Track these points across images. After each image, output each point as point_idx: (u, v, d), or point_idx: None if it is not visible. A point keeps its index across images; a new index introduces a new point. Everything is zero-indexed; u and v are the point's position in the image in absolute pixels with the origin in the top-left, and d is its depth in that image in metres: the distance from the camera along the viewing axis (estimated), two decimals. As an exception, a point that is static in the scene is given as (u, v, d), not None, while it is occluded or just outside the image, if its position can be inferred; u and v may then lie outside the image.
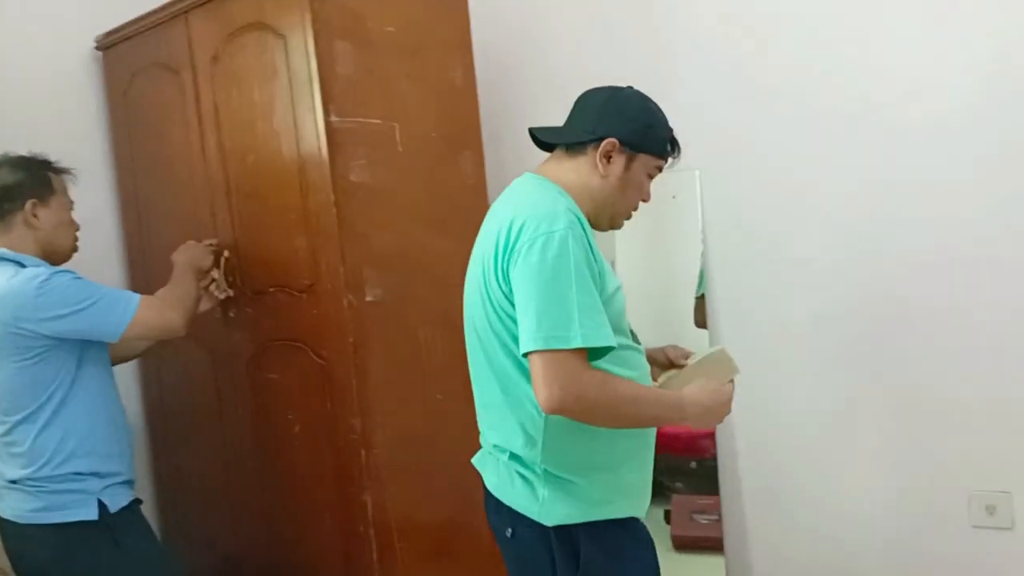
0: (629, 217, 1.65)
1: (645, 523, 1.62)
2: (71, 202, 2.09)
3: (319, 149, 2.10)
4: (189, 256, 2.22)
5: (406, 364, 2.21)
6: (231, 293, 2.33)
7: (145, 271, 2.66)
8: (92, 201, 2.56)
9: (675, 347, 1.75)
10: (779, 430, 2.13)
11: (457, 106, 2.37)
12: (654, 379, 1.67)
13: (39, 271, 1.91)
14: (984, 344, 2.06)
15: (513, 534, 1.58)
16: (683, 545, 2.41)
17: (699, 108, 2.32)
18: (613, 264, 2.44)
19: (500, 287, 1.49)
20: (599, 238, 1.57)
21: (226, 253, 2.32)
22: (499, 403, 1.56)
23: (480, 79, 2.44)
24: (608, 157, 1.56)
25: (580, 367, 1.39)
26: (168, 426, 2.73)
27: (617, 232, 1.70)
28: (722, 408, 1.55)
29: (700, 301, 2.42)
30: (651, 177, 1.62)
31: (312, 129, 2.11)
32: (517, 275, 1.43)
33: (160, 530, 2.69)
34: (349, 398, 2.12)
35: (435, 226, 2.27)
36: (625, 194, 1.59)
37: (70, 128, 2.66)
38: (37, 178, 2.01)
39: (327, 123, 2.09)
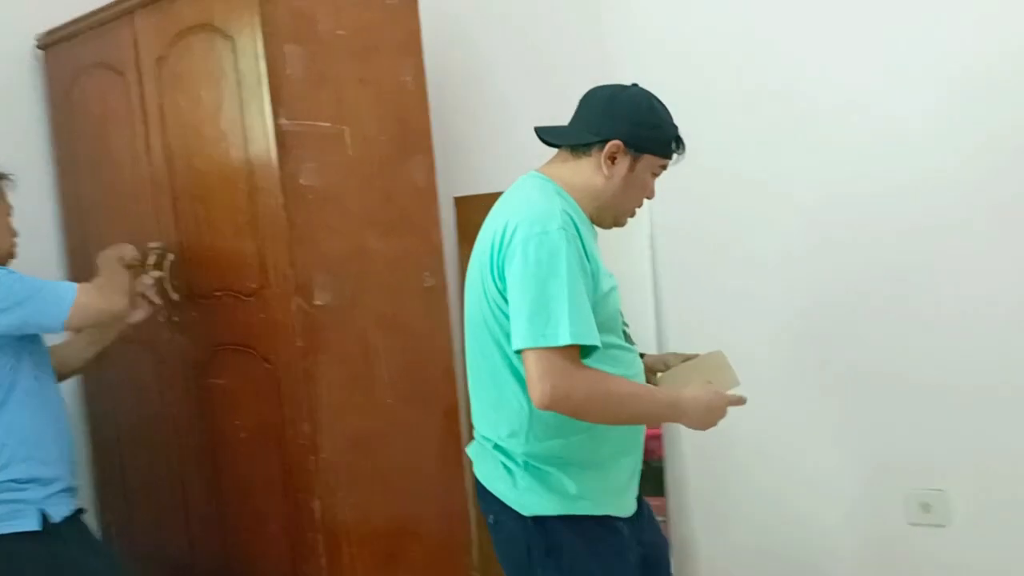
0: (633, 215, 1.67)
1: (624, 524, 1.63)
2: (10, 207, 2.03)
3: (268, 152, 2.08)
4: (108, 251, 2.15)
5: (356, 369, 2.20)
6: (176, 297, 2.29)
7: (88, 278, 2.59)
8: (32, 206, 2.48)
9: (675, 354, 1.79)
10: (724, 433, 2.15)
11: (408, 110, 2.37)
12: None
13: (-27, 271, 1.87)
14: (921, 348, 2.13)
15: (495, 521, 1.61)
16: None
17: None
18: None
19: (495, 284, 1.51)
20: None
21: (171, 256, 2.29)
22: (488, 395, 1.60)
23: (431, 83, 2.45)
24: (613, 159, 1.57)
25: (572, 365, 1.42)
26: (111, 433, 2.67)
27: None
28: (720, 411, 1.56)
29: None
30: (655, 175, 1.64)
31: (261, 131, 2.09)
32: (511, 274, 1.46)
33: (102, 540, 2.63)
34: (298, 403, 2.11)
35: (386, 230, 2.27)
36: (629, 194, 1.61)
37: (9, 130, 2.59)
38: None
39: (276, 126, 2.07)
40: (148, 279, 2.18)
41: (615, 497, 1.61)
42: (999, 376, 2.06)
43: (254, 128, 2.11)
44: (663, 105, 1.62)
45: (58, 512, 1.92)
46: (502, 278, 1.49)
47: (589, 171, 1.58)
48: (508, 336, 1.48)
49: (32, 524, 1.87)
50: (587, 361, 1.48)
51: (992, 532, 2.09)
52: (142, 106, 2.35)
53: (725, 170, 2.30)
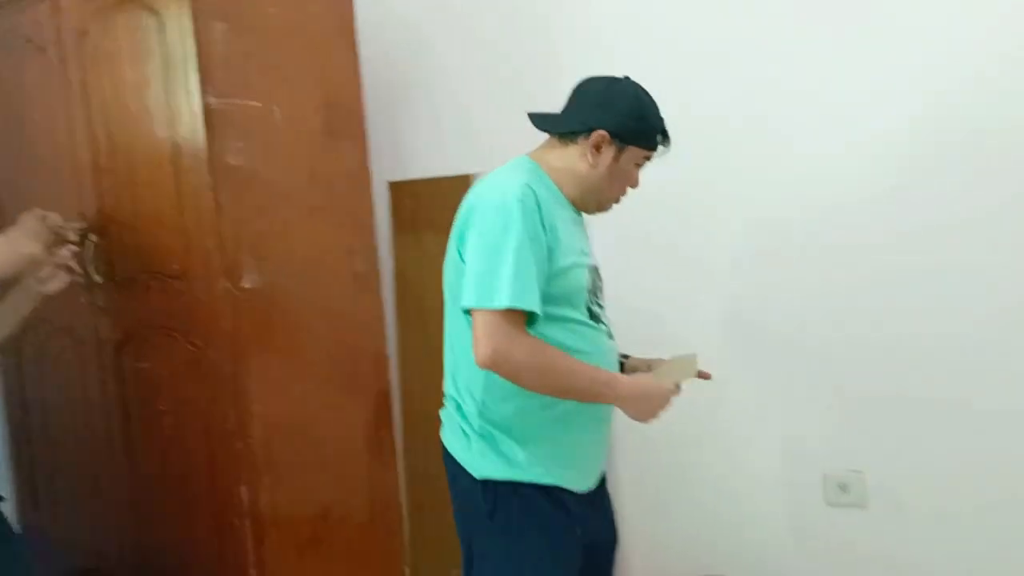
0: (618, 201, 1.72)
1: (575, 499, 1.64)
2: None
3: (195, 131, 2.04)
4: (32, 211, 2.04)
5: (284, 353, 2.17)
6: (98, 279, 2.23)
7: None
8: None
9: (661, 360, 1.81)
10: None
11: (340, 92, 2.34)
12: None
13: None
14: (838, 337, 2.20)
15: (453, 481, 1.66)
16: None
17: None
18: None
19: (459, 252, 1.57)
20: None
21: (93, 237, 2.23)
22: (454, 358, 1.66)
23: (365, 64, 2.43)
24: (598, 148, 1.61)
25: (515, 330, 1.47)
26: (30, 418, 2.60)
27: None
28: (657, 400, 1.58)
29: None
30: (639, 166, 1.68)
31: (187, 110, 2.05)
32: (468, 239, 1.53)
33: (21, 529, 2.56)
34: (224, 388, 2.08)
35: (315, 212, 2.25)
36: (612, 182, 1.66)
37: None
38: None
39: (204, 104, 2.03)
40: (67, 252, 2.12)
41: (566, 469, 1.63)
42: (914, 362, 2.13)
43: (180, 106, 2.06)
44: (651, 98, 1.66)
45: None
46: (464, 245, 1.56)
47: (575, 158, 1.63)
48: None
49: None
50: (544, 330, 1.53)
51: (907, 512, 2.17)
52: (64, 82, 2.28)
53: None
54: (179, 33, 2.02)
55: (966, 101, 2.04)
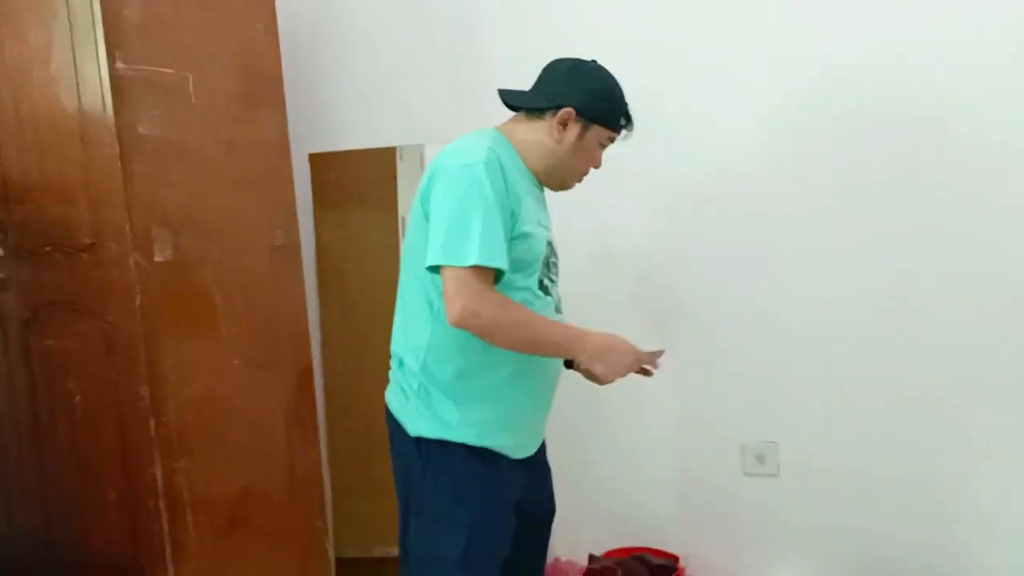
0: (580, 180, 1.76)
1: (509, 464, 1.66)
2: None
3: (102, 98, 1.95)
4: None
5: (201, 329, 2.11)
6: (0, 252, 2.13)
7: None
8: None
9: None
10: (571, 395, 2.22)
11: (258, 60, 2.27)
12: None
13: None
14: (755, 318, 2.26)
15: (391, 438, 1.71)
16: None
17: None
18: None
19: (422, 211, 1.60)
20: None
21: (-5, 209, 2.12)
22: (404, 317, 1.70)
23: (284, 32, 2.36)
24: (564, 124, 1.66)
25: (484, 287, 1.51)
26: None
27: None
28: (622, 356, 1.62)
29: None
30: (603, 147, 1.73)
31: (95, 76, 1.96)
32: (433, 199, 1.56)
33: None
34: (136, 365, 2.01)
35: (232, 185, 2.18)
36: (576, 159, 1.70)
37: None
38: None
39: (112, 70, 1.94)
40: None
41: (500, 434, 1.65)
42: (823, 343, 2.22)
43: (87, 73, 1.97)
44: (617, 83, 1.72)
45: None
46: (426, 206, 1.59)
47: (542, 133, 1.67)
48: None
49: None
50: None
51: (816, 480, 2.25)
52: (-41, 45, 2.15)
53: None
54: (85, -6, 1.93)
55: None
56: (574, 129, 1.66)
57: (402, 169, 2.60)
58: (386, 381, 1.76)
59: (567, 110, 1.65)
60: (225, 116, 2.18)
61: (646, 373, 1.73)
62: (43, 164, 2.08)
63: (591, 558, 2.35)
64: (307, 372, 2.42)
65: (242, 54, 2.23)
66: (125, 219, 1.96)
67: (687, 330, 2.33)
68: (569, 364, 1.81)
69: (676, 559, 2.30)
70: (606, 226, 2.36)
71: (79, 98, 1.99)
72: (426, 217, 1.59)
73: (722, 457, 2.33)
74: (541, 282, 1.68)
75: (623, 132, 1.73)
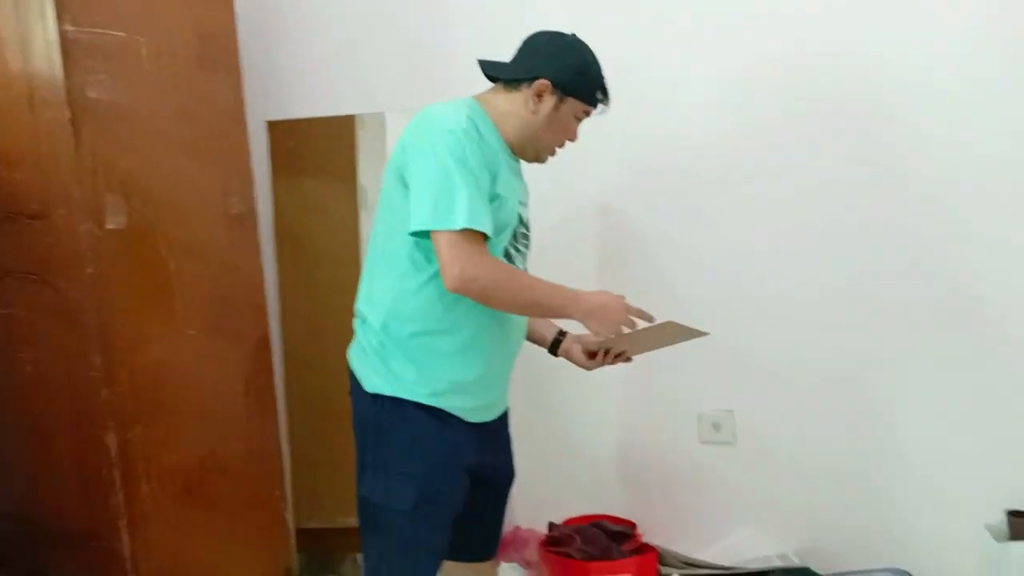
0: (554, 153, 1.78)
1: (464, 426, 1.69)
2: None
3: (51, 61, 1.90)
4: None
5: (154, 297, 2.08)
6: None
7: None
8: None
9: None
10: (531, 365, 2.24)
11: (212, 23, 2.22)
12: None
13: None
14: (710, 291, 2.31)
15: (351, 393, 1.73)
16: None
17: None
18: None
19: (400, 173, 1.61)
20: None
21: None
22: (372, 275, 1.72)
23: (239, -3, 2.32)
24: (540, 96, 1.67)
25: (479, 251, 1.54)
26: None
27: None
28: (616, 313, 1.65)
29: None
30: (579, 120, 1.74)
31: (42, 39, 1.91)
32: (416, 164, 1.57)
33: None
34: (89, 334, 1.97)
35: (186, 150, 2.14)
36: (551, 132, 1.72)
37: None
38: None
39: (60, 32, 1.90)
40: None
41: (456, 396, 1.66)
42: (781, 312, 2.26)
43: (35, 35, 1.91)
44: (595, 58, 1.72)
45: None
46: (405, 168, 1.60)
47: (518, 104, 1.69)
48: (405, 222, 1.58)
49: None
50: None
51: (771, 448, 2.29)
52: (-101, 4, 2.08)
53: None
54: (30, -47, 1.87)
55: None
56: (549, 101, 1.67)
57: (362, 137, 2.58)
58: (346, 349, 1.77)
59: (543, 82, 1.66)
60: (178, 81, 2.14)
61: (626, 360, 1.81)
62: (-10, 129, 2.02)
63: (551, 526, 2.38)
64: (264, 341, 2.40)
65: (196, 17, 2.18)
66: (76, 186, 1.93)
67: (645, 301, 2.35)
68: (554, 351, 1.89)
69: (634, 526, 2.33)
70: (569, 192, 2.36)
71: (27, 61, 1.93)
72: (402, 180, 1.60)
73: (680, 426, 2.36)
74: (507, 252, 1.68)
75: (599, 106, 1.73)
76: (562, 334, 1.90)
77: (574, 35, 1.73)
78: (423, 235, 1.57)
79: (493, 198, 1.60)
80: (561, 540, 2.28)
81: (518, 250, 1.73)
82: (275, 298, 2.62)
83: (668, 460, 2.40)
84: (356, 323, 1.75)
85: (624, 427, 2.41)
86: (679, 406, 2.36)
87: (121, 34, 2.02)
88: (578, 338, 1.87)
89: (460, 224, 1.51)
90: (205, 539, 2.22)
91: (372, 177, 2.53)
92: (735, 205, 2.27)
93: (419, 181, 1.56)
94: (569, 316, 1.63)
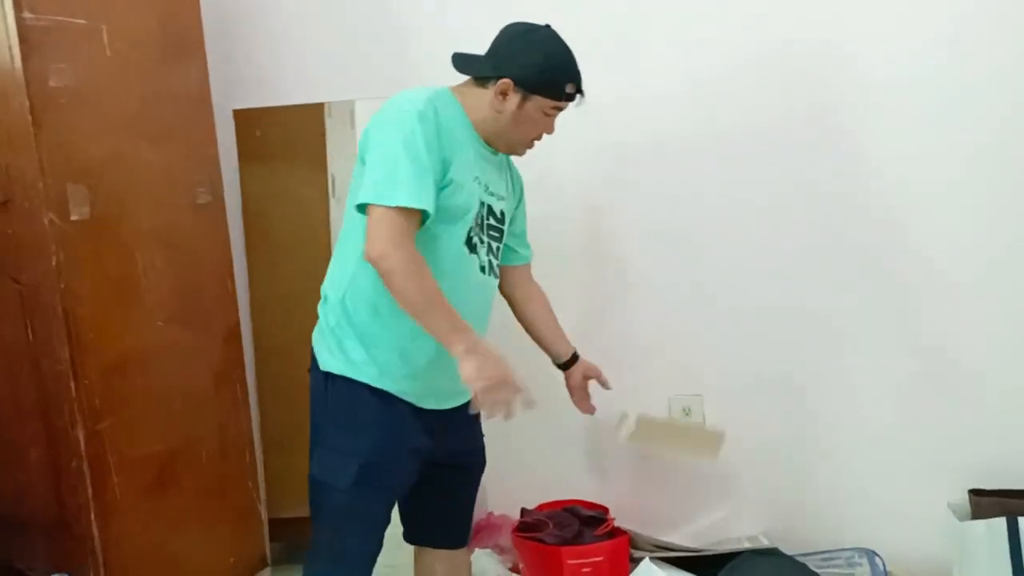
0: (530, 146, 1.77)
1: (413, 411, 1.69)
2: None
3: (9, 49, 1.87)
4: None
5: (121, 288, 2.07)
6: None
7: None
8: None
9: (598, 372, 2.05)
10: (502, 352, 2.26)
11: (176, 9, 2.21)
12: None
13: None
14: (681, 279, 2.33)
15: (309, 371, 1.74)
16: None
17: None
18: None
19: (361, 154, 1.63)
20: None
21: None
22: (336, 256, 1.74)
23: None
24: (504, 95, 1.66)
25: (403, 232, 1.53)
26: None
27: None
28: (493, 369, 1.53)
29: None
30: (549, 116, 1.71)
31: (1, 27, 1.87)
32: (368, 143, 1.60)
33: None
34: (54, 326, 1.95)
35: (151, 139, 2.12)
36: (519, 128, 1.70)
37: None
38: None
39: (18, 20, 1.87)
40: None
41: (405, 381, 1.67)
42: (747, 296, 2.28)
43: (-8, 23, 1.89)
44: (566, 50, 1.69)
45: None
46: (364, 150, 1.61)
47: (487, 100, 1.68)
48: None
49: None
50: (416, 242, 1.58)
51: (738, 431, 2.32)
52: None
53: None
54: (-14, -61, 1.84)
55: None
56: (513, 99, 1.66)
57: (331, 125, 2.56)
58: (316, 336, 1.78)
59: (505, 81, 1.65)
60: (142, 69, 2.12)
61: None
62: (-53, 119, 1.99)
63: (523, 512, 2.39)
64: (235, 331, 2.39)
65: (160, 4, 2.17)
66: (38, 175, 1.90)
67: (616, 289, 2.37)
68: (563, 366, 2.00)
69: (606, 510, 2.35)
70: (540, 188, 2.36)
71: (-15, 49, 1.90)
72: (362, 160, 1.61)
73: (650, 409, 2.37)
74: (470, 239, 1.68)
75: (577, 98, 1.71)
76: (575, 357, 2.02)
77: (546, 27, 1.70)
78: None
79: (448, 185, 1.60)
80: (534, 525, 2.30)
81: (483, 241, 1.71)
82: (245, 287, 2.60)
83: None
84: (320, 303, 1.76)
85: (596, 412, 2.42)
86: (650, 391, 2.38)
87: (82, 22, 1.99)
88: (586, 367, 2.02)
89: (395, 202, 1.52)
90: (177, 530, 2.21)
91: (341, 165, 2.52)
92: (709, 198, 2.29)
93: (369, 159, 1.58)
94: (448, 346, 1.55)
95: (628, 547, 2.25)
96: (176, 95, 2.20)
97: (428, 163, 1.55)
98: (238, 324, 2.40)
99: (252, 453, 2.47)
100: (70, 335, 1.96)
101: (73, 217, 1.95)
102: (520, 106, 1.67)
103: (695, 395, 2.35)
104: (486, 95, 1.68)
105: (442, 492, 1.82)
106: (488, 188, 1.71)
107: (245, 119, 2.59)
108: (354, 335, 1.66)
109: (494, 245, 1.75)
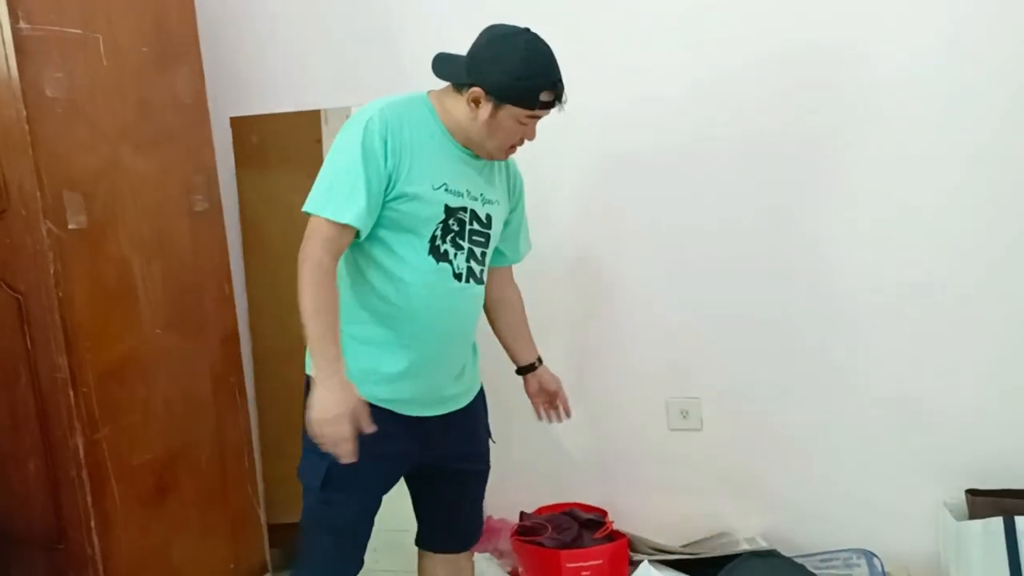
0: (513, 151, 1.74)
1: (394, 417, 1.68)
2: None
3: (5, 59, 1.88)
4: None
5: (118, 296, 2.07)
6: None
7: None
8: None
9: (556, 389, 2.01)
10: (499, 357, 2.25)
11: (172, 18, 2.21)
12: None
13: None
14: (677, 283, 2.34)
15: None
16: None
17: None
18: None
19: None
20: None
21: None
22: None
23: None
24: (476, 103, 1.64)
25: (325, 243, 1.56)
26: None
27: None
28: (334, 406, 1.52)
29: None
30: (524, 124, 1.67)
31: (-4, 37, 1.88)
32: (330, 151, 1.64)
33: None
34: (52, 335, 1.96)
35: (148, 147, 2.13)
36: (494, 135, 1.67)
37: None
38: None
39: (14, 30, 1.88)
40: None
41: (381, 386, 1.66)
42: (745, 297, 2.29)
43: (-12, 33, 1.89)
44: (545, 57, 1.64)
45: None
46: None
47: (463, 106, 1.66)
48: None
49: None
50: (370, 248, 1.63)
51: (735, 434, 2.33)
52: None
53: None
54: (-20, -51, 1.84)
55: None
56: (486, 108, 1.63)
57: (327, 132, 2.56)
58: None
59: (476, 89, 1.62)
60: (138, 77, 2.12)
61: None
62: (-56, 129, 1.99)
63: (522, 515, 2.39)
64: (233, 337, 2.40)
65: (155, 13, 2.17)
66: (35, 185, 1.91)
67: (613, 295, 2.38)
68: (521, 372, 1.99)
69: (605, 513, 2.35)
70: (537, 190, 2.37)
71: (-20, 59, 1.91)
72: None
73: (648, 414, 2.39)
74: (436, 247, 1.66)
75: (557, 105, 1.65)
76: (539, 360, 2.00)
77: (526, 31, 1.64)
78: None
79: (400, 198, 1.60)
80: (533, 529, 2.30)
81: (459, 247, 1.68)
82: (242, 293, 2.61)
83: (638, 448, 2.42)
84: None
85: (594, 417, 2.43)
86: (647, 394, 2.39)
87: (78, 31, 1.99)
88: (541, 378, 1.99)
89: (324, 214, 1.56)
90: (176, 537, 2.22)
91: (338, 171, 2.52)
92: (707, 200, 2.29)
93: (321, 169, 1.63)
94: (315, 369, 1.57)
95: (627, 550, 2.26)
96: (172, 103, 2.21)
97: (365, 177, 1.56)
98: (235, 330, 2.40)
99: (251, 458, 2.48)
100: (68, 343, 1.96)
101: (70, 225, 1.96)
102: (493, 115, 1.63)
103: (692, 398, 2.36)
104: (460, 101, 1.66)
105: (442, 497, 1.83)
106: (468, 193, 1.69)
107: (242, 126, 2.59)
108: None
109: (477, 251, 1.72)
